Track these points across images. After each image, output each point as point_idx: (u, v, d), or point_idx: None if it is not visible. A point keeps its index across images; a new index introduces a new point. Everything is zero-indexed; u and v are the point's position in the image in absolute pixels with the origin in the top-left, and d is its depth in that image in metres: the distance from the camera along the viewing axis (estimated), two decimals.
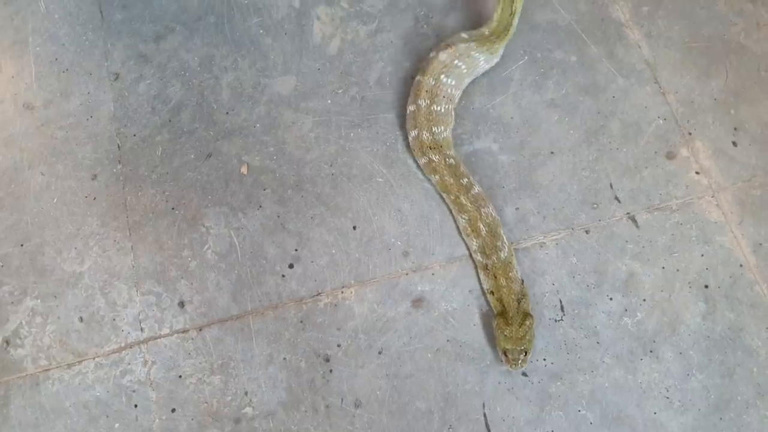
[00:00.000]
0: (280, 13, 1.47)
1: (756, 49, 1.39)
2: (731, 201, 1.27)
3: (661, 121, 1.33)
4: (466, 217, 1.23)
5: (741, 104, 1.34)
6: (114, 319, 1.24)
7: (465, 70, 1.31)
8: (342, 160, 1.34)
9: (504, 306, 1.17)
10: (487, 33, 1.33)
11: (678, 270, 1.22)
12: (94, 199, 1.33)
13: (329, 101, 1.39)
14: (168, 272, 1.26)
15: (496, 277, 1.19)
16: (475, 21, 1.43)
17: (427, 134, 1.27)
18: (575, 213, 1.27)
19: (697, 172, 1.29)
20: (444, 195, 1.28)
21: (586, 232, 1.26)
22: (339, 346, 1.20)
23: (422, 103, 1.28)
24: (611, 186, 1.28)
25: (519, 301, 1.17)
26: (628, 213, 1.26)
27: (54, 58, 1.45)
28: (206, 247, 1.27)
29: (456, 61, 1.29)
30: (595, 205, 1.27)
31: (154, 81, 1.41)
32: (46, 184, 1.34)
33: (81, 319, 1.25)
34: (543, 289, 1.22)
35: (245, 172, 1.33)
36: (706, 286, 1.21)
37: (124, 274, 1.27)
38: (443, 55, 1.30)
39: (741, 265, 1.22)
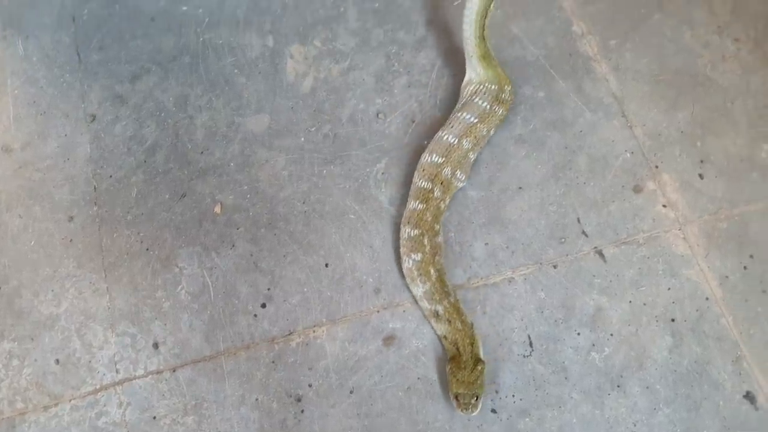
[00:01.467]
0: (254, 53, 1.50)
1: (722, 82, 1.41)
2: (698, 234, 1.28)
3: (628, 155, 1.35)
4: (419, 258, 1.24)
5: (707, 136, 1.36)
6: (90, 361, 1.26)
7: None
8: (315, 197, 1.36)
9: (458, 350, 1.18)
10: (484, 105, 1.33)
11: (645, 304, 1.24)
12: (71, 241, 1.35)
13: (302, 139, 1.41)
14: (142, 313, 1.28)
15: (450, 322, 1.20)
16: (444, 58, 1.45)
17: (449, 171, 1.30)
18: (543, 248, 1.29)
19: (664, 206, 1.31)
20: (404, 227, 1.28)
21: (554, 266, 1.27)
22: (310, 385, 1.21)
23: (465, 143, 1.32)
24: (579, 220, 1.30)
25: (472, 345, 1.19)
26: (595, 247, 1.28)
27: (32, 100, 1.47)
28: (180, 287, 1.29)
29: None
30: (563, 240, 1.29)
31: (129, 122, 1.44)
32: (23, 226, 1.37)
33: (57, 362, 1.26)
34: (512, 325, 1.24)
35: (219, 212, 1.35)
36: (673, 320, 1.22)
37: (99, 315, 1.29)
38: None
39: (707, 299, 1.24)
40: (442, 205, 1.29)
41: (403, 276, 1.27)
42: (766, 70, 1.41)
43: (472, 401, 1.13)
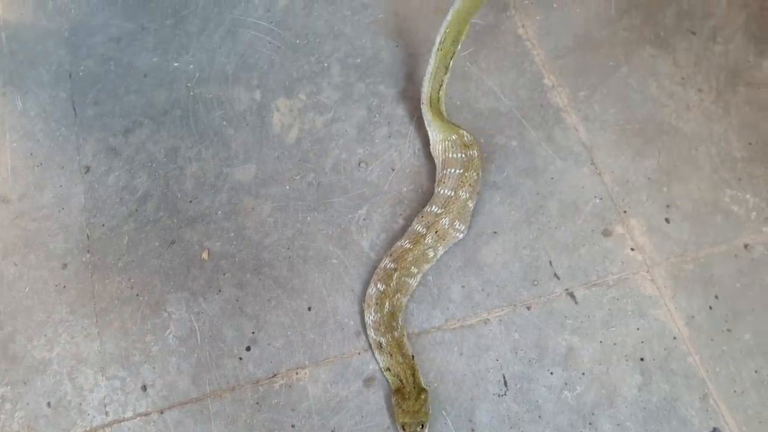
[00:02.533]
0: (242, 106, 1.57)
1: (686, 130, 1.48)
2: (665, 276, 1.34)
3: (597, 201, 1.41)
4: (380, 288, 1.30)
5: (673, 182, 1.43)
6: (80, 404, 1.30)
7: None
8: (299, 243, 1.42)
9: (401, 381, 1.23)
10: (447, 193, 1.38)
11: (615, 343, 1.29)
12: (64, 287, 1.40)
13: (287, 187, 1.48)
14: (132, 357, 1.33)
15: (391, 355, 1.25)
16: None
17: (447, 221, 1.35)
18: (517, 290, 1.34)
19: (632, 249, 1.37)
20: (388, 258, 1.34)
21: (528, 308, 1.33)
22: (293, 426, 1.25)
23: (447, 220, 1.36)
24: (551, 263, 1.36)
25: (413, 375, 1.24)
26: (567, 289, 1.34)
27: (29, 153, 1.54)
28: (168, 331, 1.34)
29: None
30: (536, 282, 1.34)
31: (122, 173, 1.50)
32: (18, 274, 1.42)
33: (49, 405, 1.30)
34: (487, 365, 1.28)
35: (206, 258, 1.41)
36: (642, 359, 1.27)
37: (90, 359, 1.33)
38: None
39: (675, 338, 1.29)
40: (431, 253, 1.34)
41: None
42: (728, 119, 1.49)
43: (418, 429, 1.18)
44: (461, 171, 1.36)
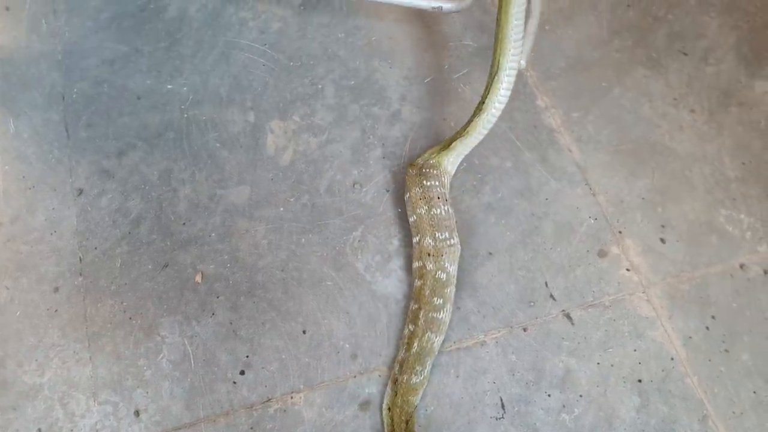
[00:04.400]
0: (236, 128, 1.57)
1: (680, 150, 1.49)
2: (661, 296, 1.34)
3: (592, 221, 1.41)
4: (410, 329, 1.28)
5: (668, 202, 1.43)
6: (72, 430, 1.28)
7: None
8: (293, 265, 1.41)
9: (393, 425, 1.21)
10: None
11: (612, 365, 1.28)
12: (56, 311, 1.38)
13: (282, 209, 1.47)
14: (125, 381, 1.31)
15: (396, 395, 1.24)
16: (416, 131, 1.53)
17: (430, 240, 1.32)
18: (513, 311, 1.33)
19: (627, 269, 1.36)
20: (412, 301, 1.32)
21: (524, 329, 1.32)
22: None
23: (421, 210, 1.34)
24: (546, 284, 1.36)
25: (407, 422, 1.22)
26: (563, 310, 1.33)
27: (21, 176, 1.53)
28: (161, 356, 1.33)
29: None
30: (532, 304, 1.34)
31: (115, 195, 1.49)
32: (10, 298, 1.40)
33: (40, 431, 1.28)
34: (484, 388, 1.27)
35: (199, 281, 1.39)
36: (640, 381, 1.26)
37: (82, 384, 1.32)
38: (412, 170, 1.39)
39: (672, 359, 1.28)
40: (442, 275, 1.30)
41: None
42: (721, 139, 1.49)
43: None
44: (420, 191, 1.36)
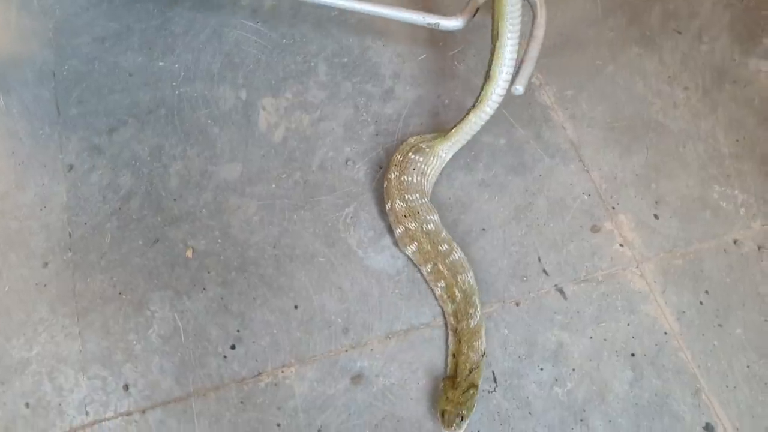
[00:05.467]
0: (227, 105, 1.56)
1: (673, 127, 1.48)
2: (654, 271, 1.33)
3: (585, 197, 1.40)
4: (443, 285, 1.29)
5: (661, 179, 1.42)
6: (60, 404, 1.27)
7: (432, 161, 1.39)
8: (285, 242, 1.40)
9: (456, 371, 1.21)
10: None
11: (605, 339, 1.27)
12: (45, 286, 1.37)
13: (273, 186, 1.46)
14: (114, 356, 1.30)
15: (460, 342, 1.23)
16: (410, 108, 1.53)
17: (401, 203, 1.33)
18: (506, 286, 1.33)
19: (620, 245, 1.36)
20: (421, 267, 1.33)
21: (517, 304, 1.31)
22: (279, 425, 1.22)
23: (392, 175, 1.37)
24: (539, 260, 1.35)
25: (471, 371, 1.21)
26: (556, 285, 1.32)
27: (11, 151, 1.52)
28: (151, 330, 1.31)
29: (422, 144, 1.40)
30: (525, 278, 1.33)
31: (105, 171, 1.48)
32: None
33: (27, 405, 1.27)
34: None
35: (190, 256, 1.38)
36: (633, 355, 1.26)
37: (71, 359, 1.30)
38: (411, 139, 1.42)
39: (665, 333, 1.27)
40: (429, 227, 1.32)
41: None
42: (714, 116, 1.49)
43: (457, 420, 1.15)
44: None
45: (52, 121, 1.56)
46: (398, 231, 1.34)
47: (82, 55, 1.65)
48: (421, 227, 1.32)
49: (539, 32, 1.33)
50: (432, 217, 1.34)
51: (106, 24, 1.69)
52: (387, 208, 1.37)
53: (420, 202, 1.34)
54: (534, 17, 1.35)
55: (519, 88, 1.22)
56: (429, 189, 1.39)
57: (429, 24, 1.40)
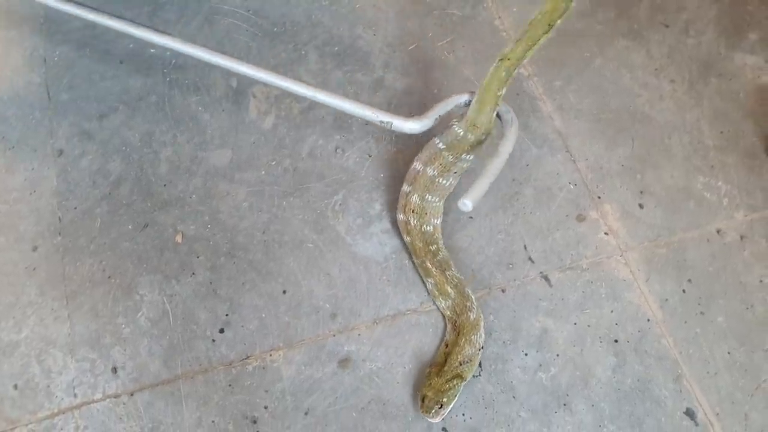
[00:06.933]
0: (218, 92, 1.57)
1: (659, 119, 1.50)
2: (638, 260, 1.35)
3: (571, 187, 1.42)
4: (432, 282, 1.30)
5: (646, 169, 1.44)
6: (48, 386, 1.27)
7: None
8: (274, 228, 1.41)
9: (446, 360, 1.22)
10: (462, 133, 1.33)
11: (589, 326, 1.29)
12: (34, 269, 1.37)
13: (263, 172, 1.47)
14: (102, 339, 1.31)
15: (459, 335, 1.25)
16: (399, 98, 1.54)
17: (418, 199, 1.32)
18: (492, 273, 1.34)
19: (605, 233, 1.38)
20: (414, 258, 1.34)
21: (502, 291, 1.33)
22: (266, 408, 1.24)
23: (429, 171, 1.31)
24: (525, 248, 1.36)
25: (461, 363, 1.22)
26: (541, 272, 1.34)
27: (1, 136, 1.52)
28: (140, 314, 1.32)
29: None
30: (511, 266, 1.35)
31: (96, 156, 1.49)
32: None
33: (16, 387, 1.27)
34: None
35: (180, 241, 1.39)
36: (616, 341, 1.28)
37: (60, 341, 1.31)
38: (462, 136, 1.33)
39: (648, 320, 1.29)
40: (427, 228, 1.33)
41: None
42: (700, 108, 1.51)
43: (435, 408, 1.16)
44: (443, 148, 1.32)
45: (42, 106, 1.56)
46: (399, 217, 1.35)
47: (73, 41, 1.65)
48: (421, 227, 1.33)
49: (505, 149, 1.23)
50: (436, 221, 1.34)
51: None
52: (402, 190, 1.34)
53: (435, 204, 1.33)
54: (504, 134, 1.27)
55: (467, 203, 1.12)
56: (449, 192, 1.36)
57: (381, 123, 1.31)
